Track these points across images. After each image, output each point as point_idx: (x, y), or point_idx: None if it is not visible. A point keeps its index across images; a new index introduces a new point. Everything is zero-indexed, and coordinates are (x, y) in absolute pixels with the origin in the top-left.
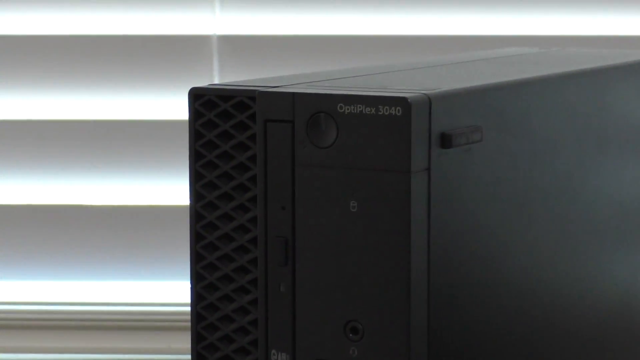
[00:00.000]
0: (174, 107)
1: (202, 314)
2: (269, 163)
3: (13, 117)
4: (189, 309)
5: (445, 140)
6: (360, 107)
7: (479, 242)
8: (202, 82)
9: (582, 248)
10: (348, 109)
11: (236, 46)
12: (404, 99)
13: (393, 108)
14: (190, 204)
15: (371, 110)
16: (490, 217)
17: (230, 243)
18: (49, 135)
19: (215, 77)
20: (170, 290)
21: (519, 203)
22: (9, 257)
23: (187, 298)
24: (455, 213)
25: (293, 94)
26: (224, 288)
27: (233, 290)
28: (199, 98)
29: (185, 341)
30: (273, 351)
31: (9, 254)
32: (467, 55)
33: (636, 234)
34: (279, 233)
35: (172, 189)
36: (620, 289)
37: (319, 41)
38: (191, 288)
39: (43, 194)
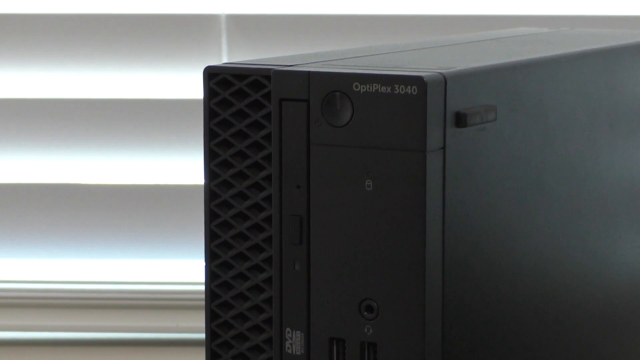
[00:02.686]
0: (182, 85)
1: (217, 292)
2: (284, 142)
3: (35, 96)
4: (197, 287)
5: (460, 120)
6: (375, 86)
7: (493, 220)
8: (210, 62)
9: (593, 227)
10: (364, 88)
11: (244, 25)
12: (419, 78)
13: (409, 87)
14: (204, 182)
15: (387, 89)
16: (503, 196)
17: (244, 222)
18: (61, 114)
19: (223, 56)
20: (181, 269)
21: (532, 182)
22: (20, 235)
23: (196, 277)
24: (469, 192)
25: (308, 72)
26: (238, 266)
27: (247, 269)
28: (213, 77)
29: (193, 320)
30: (287, 329)
31: (20, 232)
32: (480, 35)
33: None
34: (294, 212)
35: (185, 168)
36: (631, 268)
37: (327, 20)
38: (206, 266)
39: (53, 172)
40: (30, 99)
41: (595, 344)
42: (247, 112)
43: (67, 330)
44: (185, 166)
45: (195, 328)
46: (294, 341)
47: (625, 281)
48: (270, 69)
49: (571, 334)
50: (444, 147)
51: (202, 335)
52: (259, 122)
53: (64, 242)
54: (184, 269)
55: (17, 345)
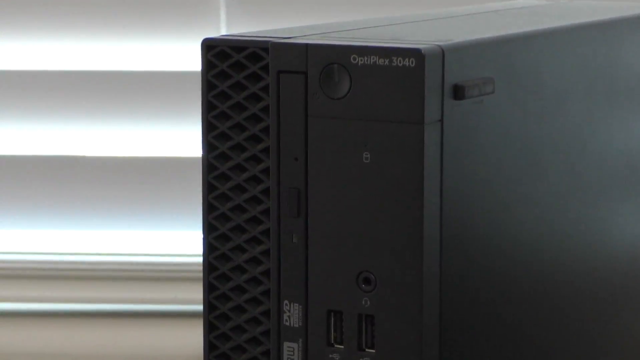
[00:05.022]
0: (180, 58)
1: (214, 264)
2: (281, 114)
3: (32, 67)
4: (195, 259)
5: (458, 92)
6: (373, 59)
7: (491, 193)
8: (209, 34)
9: (591, 198)
10: (361, 60)
11: None
12: (417, 51)
13: (407, 59)
14: (202, 155)
15: (385, 62)
16: (500, 168)
17: (242, 194)
18: (59, 86)
19: (222, 28)
20: (179, 241)
21: (530, 154)
22: (18, 207)
23: (195, 249)
24: (467, 164)
25: (306, 45)
26: (236, 239)
27: (245, 241)
28: (211, 49)
29: (191, 291)
30: (285, 302)
31: (18, 204)
32: (478, 7)
33: None
34: (292, 184)
35: (183, 140)
36: (628, 240)
37: None
38: (203, 238)
39: (52, 144)
40: (28, 70)
41: (593, 317)
42: (245, 84)
43: (65, 301)
44: (183, 138)
45: (193, 299)
46: (292, 313)
47: (622, 255)
48: (268, 41)
49: (568, 307)
50: (441, 120)
51: (200, 307)
52: (257, 94)
53: (64, 213)
54: (183, 240)
55: (16, 317)
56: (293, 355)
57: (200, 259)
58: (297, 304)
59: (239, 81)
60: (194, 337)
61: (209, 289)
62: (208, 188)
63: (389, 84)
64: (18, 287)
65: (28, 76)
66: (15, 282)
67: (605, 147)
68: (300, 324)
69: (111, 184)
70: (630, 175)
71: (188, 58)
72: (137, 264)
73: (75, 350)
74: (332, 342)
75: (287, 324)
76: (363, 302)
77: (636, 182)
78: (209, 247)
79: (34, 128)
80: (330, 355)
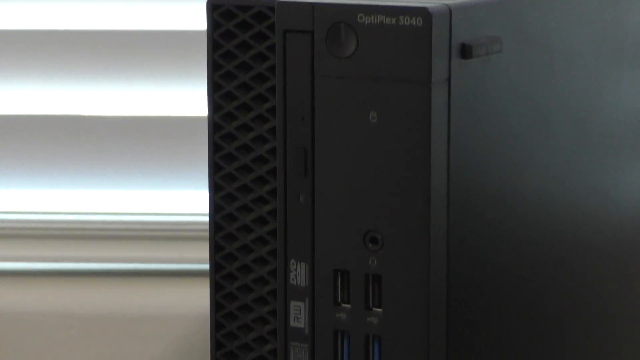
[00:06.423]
0: (187, 17)
1: (221, 224)
2: (288, 74)
3: (35, 27)
4: (201, 219)
5: (466, 51)
6: (380, 18)
7: (498, 151)
8: None
9: (598, 158)
10: (368, 19)
11: None
12: (424, 9)
13: (414, 18)
14: (208, 114)
15: (391, 21)
16: (508, 127)
17: (248, 154)
18: (64, 45)
19: None
20: (186, 200)
21: (537, 113)
22: (25, 167)
23: (201, 208)
24: (474, 124)
25: (313, 4)
26: (242, 198)
27: (252, 201)
28: (217, 8)
29: (196, 251)
30: (292, 261)
31: (25, 164)
32: None
33: None
34: (298, 144)
35: (190, 99)
36: (634, 199)
37: None
38: (210, 198)
39: (61, 104)
40: (29, 30)
41: (599, 277)
42: (251, 44)
43: (73, 260)
44: (189, 98)
45: (199, 259)
46: (299, 273)
47: (629, 211)
48: (274, 0)
49: (575, 267)
50: (449, 79)
51: (206, 266)
52: (263, 53)
53: (75, 174)
54: (189, 200)
55: (25, 276)
56: (300, 314)
57: (207, 219)
58: (303, 264)
59: (245, 41)
60: (200, 295)
61: (216, 248)
62: (214, 148)
63: (396, 44)
64: (26, 246)
65: (38, 35)
66: (23, 241)
67: (613, 106)
68: (307, 283)
69: (120, 144)
70: (635, 133)
71: (193, 17)
72: (144, 223)
73: (83, 308)
74: (339, 301)
75: (294, 283)
76: (370, 262)
77: None
78: (216, 207)
79: (37, 87)
80: (337, 315)
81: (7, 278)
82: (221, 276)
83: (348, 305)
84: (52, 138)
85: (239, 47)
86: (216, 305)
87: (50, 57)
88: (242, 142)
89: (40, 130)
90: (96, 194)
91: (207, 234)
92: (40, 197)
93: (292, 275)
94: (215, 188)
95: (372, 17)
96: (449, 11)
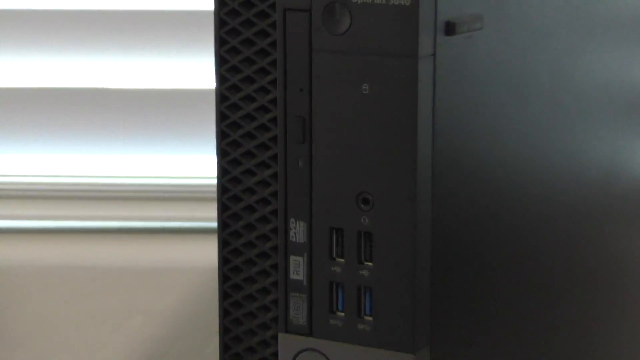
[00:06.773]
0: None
1: (227, 187)
2: (287, 49)
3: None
4: (210, 181)
5: (450, 28)
6: None
7: (480, 121)
8: None
9: (571, 126)
10: None
11: None
12: None
13: None
14: (215, 86)
15: (382, 0)
16: (489, 99)
17: (252, 122)
18: (74, 22)
19: None
20: (197, 164)
21: (515, 85)
22: (58, 133)
23: (211, 172)
24: (458, 95)
25: None
26: (246, 163)
27: (255, 165)
28: None
29: (207, 210)
30: (292, 220)
31: (58, 130)
32: None
33: (619, 114)
34: (297, 113)
35: (198, 72)
36: (604, 163)
37: None
38: (217, 163)
39: (88, 76)
40: (33, 9)
41: (573, 235)
42: (254, 21)
43: (97, 219)
44: (198, 71)
45: (209, 217)
46: (298, 230)
47: (598, 174)
48: None
49: (552, 226)
50: (434, 54)
51: (215, 224)
52: (265, 30)
53: (100, 139)
54: (200, 163)
55: (47, 233)
56: (299, 267)
57: (215, 181)
58: (302, 222)
59: (248, 18)
60: (209, 251)
61: (223, 208)
62: (221, 116)
63: (386, 21)
64: (56, 206)
65: (29, 15)
66: (54, 202)
67: (583, 77)
68: (305, 240)
69: (140, 114)
70: (605, 104)
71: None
72: (160, 185)
73: (106, 262)
74: (334, 256)
75: (294, 239)
76: (362, 220)
77: (612, 110)
78: (222, 171)
79: (48, 60)
80: (332, 268)
81: (38, 235)
82: (228, 233)
83: (342, 260)
84: (73, 109)
85: (243, 24)
86: (223, 260)
87: (68, 32)
88: (246, 112)
89: (65, 100)
90: (119, 158)
91: (215, 195)
92: (64, 160)
93: (291, 233)
94: (222, 154)
95: None
96: None
